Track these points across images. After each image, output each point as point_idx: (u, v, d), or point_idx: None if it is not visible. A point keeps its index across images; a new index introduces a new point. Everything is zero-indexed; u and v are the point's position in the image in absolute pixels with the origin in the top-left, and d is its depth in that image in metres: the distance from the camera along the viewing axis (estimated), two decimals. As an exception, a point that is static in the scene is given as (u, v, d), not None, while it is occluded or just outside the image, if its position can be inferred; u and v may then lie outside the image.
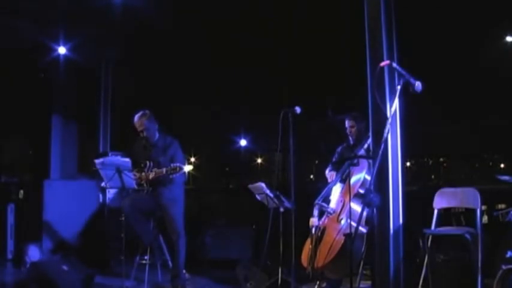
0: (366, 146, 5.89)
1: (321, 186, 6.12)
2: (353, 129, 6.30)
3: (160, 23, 8.55)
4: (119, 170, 5.96)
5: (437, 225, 5.80)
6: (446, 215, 6.32)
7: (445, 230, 5.77)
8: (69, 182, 8.74)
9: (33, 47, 8.79)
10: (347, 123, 6.35)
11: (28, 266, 7.15)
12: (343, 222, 5.53)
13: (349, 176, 5.30)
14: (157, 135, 6.63)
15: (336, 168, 6.30)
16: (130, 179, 6.09)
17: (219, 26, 8.91)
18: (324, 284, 5.82)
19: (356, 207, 5.41)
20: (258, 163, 29.33)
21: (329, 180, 6.23)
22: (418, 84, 3.93)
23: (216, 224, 8.56)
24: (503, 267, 4.74)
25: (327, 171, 6.49)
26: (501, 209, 6.45)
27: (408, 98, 4.29)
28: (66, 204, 8.16)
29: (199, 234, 8.13)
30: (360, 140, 6.17)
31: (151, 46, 9.33)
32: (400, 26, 5.37)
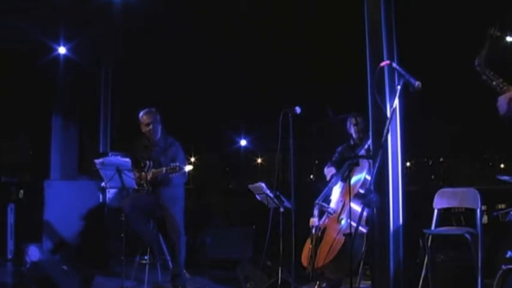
0: (366, 146, 5.90)
1: (320, 186, 6.12)
2: (355, 128, 6.32)
3: (160, 23, 8.54)
4: (118, 170, 5.96)
5: (437, 225, 5.79)
6: (446, 215, 6.32)
7: (445, 230, 5.77)
8: (69, 182, 8.73)
9: (33, 46, 8.78)
10: (348, 122, 6.37)
11: (28, 266, 7.15)
12: (343, 222, 5.53)
13: (349, 176, 5.30)
14: (159, 134, 6.63)
15: (336, 167, 6.31)
16: (130, 179, 6.09)
17: (220, 26, 8.91)
18: (324, 284, 5.82)
19: (356, 207, 5.42)
20: (258, 163, 29.32)
21: (327, 177, 6.24)
22: (418, 84, 3.93)
23: (216, 224, 8.55)
24: (503, 267, 4.73)
25: (325, 169, 6.50)
26: (501, 209, 6.46)
27: (408, 98, 4.29)
28: (66, 204, 8.15)
29: (199, 234, 8.12)
30: (360, 140, 6.18)
31: (151, 45, 9.32)
32: (401, 26, 5.36)
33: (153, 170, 6.32)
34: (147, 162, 6.48)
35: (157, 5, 8.06)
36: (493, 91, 3.35)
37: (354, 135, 6.37)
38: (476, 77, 3.39)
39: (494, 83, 3.32)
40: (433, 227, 5.75)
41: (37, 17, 8.07)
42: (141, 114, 6.59)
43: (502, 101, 3.24)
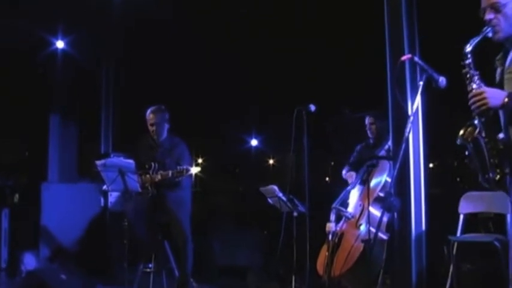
0: (386, 146, 5.88)
1: (337, 189, 6.11)
2: (373, 127, 6.32)
3: (165, 19, 8.55)
4: (121, 172, 5.96)
5: (464, 231, 5.76)
6: (473, 221, 6.28)
7: (471, 237, 5.74)
8: (68, 185, 8.76)
9: (29, 40, 8.81)
10: (367, 120, 6.38)
11: (23, 275, 7.17)
12: (362, 227, 5.52)
13: (368, 179, 5.29)
14: (165, 134, 6.65)
15: (355, 169, 6.30)
16: (134, 182, 6.08)
17: (229, 24, 8.92)
18: (341, 294, 5.81)
19: (376, 212, 5.40)
20: (269, 164, 29.28)
21: (349, 181, 6.22)
22: (442, 80, 3.91)
23: (225, 229, 8.56)
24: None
25: (344, 172, 6.50)
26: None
27: (431, 94, 4.27)
28: (65, 209, 8.17)
29: (206, 240, 8.13)
30: (380, 139, 6.17)
31: (155, 42, 9.33)
32: (423, 17, 5.34)
33: (161, 172, 6.32)
34: (152, 164, 6.48)
35: (159, 1, 8.08)
36: (463, 77, 3.36)
37: (370, 135, 6.38)
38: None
39: (470, 72, 3.34)
40: (458, 234, 5.72)
41: (33, 10, 8.10)
42: (148, 111, 6.61)
43: (498, 94, 3.25)
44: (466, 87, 3.34)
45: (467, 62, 3.34)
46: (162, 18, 8.57)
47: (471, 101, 3.26)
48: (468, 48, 3.35)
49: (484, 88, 3.26)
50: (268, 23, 8.97)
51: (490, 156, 3.28)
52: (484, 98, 3.22)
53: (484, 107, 3.23)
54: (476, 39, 3.35)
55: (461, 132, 3.35)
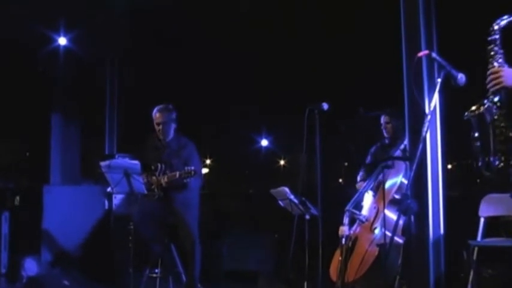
0: (402, 146, 5.87)
1: (350, 190, 6.11)
2: (388, 126, 6.31)
3: (169, 17, 8.56)
4: (127, 174, 5.97)
5: (484, 235, 5.73)
6: (494, 225, 6.26)
7: (492, 241, 5.71)
8: (71, 187, 8.79)
9: (30, 37, 8.84)
10: (382, 119, 6.37)
11: (24, 281, 7.20)
12: (377, 231, 5.51)
13: (383, 180, 5.28)
14: (172, 135, 6.66)
15: (369, 171, 6.29)
16: (140, 183, 6.10)
17: (240, 20, 8.94)
18: (355, 301, 5.81)
19: (391, 214, 5.39)
20: (280, 165, 29.31)
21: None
22: (461, 77, 3.90)
23: (234, 233, 8.57)
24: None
25: (358, 179, 6.49)
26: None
27: (449, 92, 4.27)
28: (67, 212, 8.19)
29: (215, 243, 8.14)
30: (395, 139, 6.17)
31: (162, 39, 9.33)
32: (441, 11, 5.33)
33: (168, 174, 6.34)
34: (159, 165, 6.50)
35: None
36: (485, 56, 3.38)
37: (385, 135, 6.37)
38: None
39: (495, 49, 3.34)
40: (479, 238, 5.70)
41: (34, 5, 8.13)
42: (154, 110, 6.63)
43: None
44: (486, 84, 3.35)
45: (494, 37, 3.34)
46: (165, 16, 8.59)
47: (488, 78, 3.28)
48: (500, 23, 3.35)
49: (504, 68, 3.28)
50: (280, 21, 8.98)
51: (496, 142, 3.28)
52: (500, 76, 3.23)
53: (498, 86, 3.24)
54: (510, 18, 3.35)
55: (473, 108, 3.36)
